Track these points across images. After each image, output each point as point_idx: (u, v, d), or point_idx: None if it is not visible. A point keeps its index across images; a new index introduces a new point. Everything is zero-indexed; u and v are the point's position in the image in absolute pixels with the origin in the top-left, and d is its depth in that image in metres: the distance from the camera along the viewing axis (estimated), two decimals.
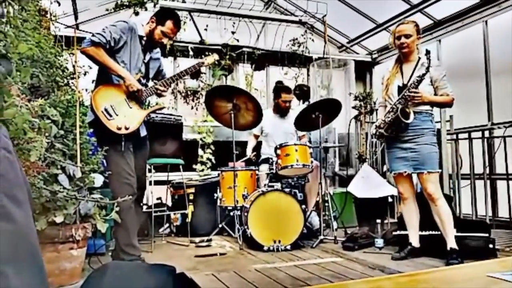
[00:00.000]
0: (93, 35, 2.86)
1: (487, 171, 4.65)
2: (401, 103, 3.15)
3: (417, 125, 3.20)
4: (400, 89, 3.23)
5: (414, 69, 3.25)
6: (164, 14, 3.17)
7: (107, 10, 5.74)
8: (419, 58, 3.27)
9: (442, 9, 5.47)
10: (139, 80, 3.08)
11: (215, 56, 3.55)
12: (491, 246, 3.22)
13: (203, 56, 5.49)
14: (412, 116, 3.11)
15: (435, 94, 3.23)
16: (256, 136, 4.85)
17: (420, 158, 3.17)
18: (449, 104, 3.27)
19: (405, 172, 3.25)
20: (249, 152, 4.84)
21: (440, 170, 3.25)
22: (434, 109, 3.32)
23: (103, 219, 2.59)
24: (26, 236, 0.86)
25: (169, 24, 3.12)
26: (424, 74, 3.08)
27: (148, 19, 3.18)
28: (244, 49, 6.30)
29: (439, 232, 3.28)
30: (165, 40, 3.18)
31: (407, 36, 3.23)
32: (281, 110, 4.75)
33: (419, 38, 3.32)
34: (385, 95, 3.40)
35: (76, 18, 5.62)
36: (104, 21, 5.64)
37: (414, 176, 3.37)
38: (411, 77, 3.22)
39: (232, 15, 6.15)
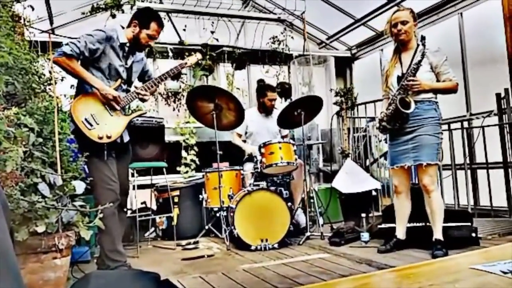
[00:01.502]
0: (66, 44, 2.79)
1: (468, 161, 4.73)
2: (400, 93, 3.08)
3: (419, 115, 3.11)
4: (400, 79, 3.15)
5: (413, 57, 3.13)
6: (147, 16, 3.08)
7: (83, 13, 5.64)
8: (418, 45, 3.15)
9: (418, 2, 5.53)
10: (119, 86, 3.03)
11: (198, 56, 3.46)
12: (473, 235, 3.28)
13: (184, 56, 5.44)
14: (413, 105, 3.03)
15: (438, 81, 3.15)
16: (239, 135, 4.83)
17: (420, 149, 3.10)
18: (453, 90, 3.14)
19: (405, 165, 3.20)
20: (243, 145, 4.75)
21: (438, 162, 3.16)
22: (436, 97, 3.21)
23: (87, 227, 2.55)
24: (2, 252, 0.84)
25: (153, 26, 3.06)
26: (420, 61, 3.00)
27: (129, 23, 3.10)
28: (224, 48, 6.27)
29: (423, 224, 3.32)
30: (152, 43, 3.13)
31: (404, 23, 3.14)
32: (267, 109, 4.75)
33: (416, 25, 3.24)
34: (386, 87, 3.32)
35: (51, 22, 5.50)
36: (80, 25, 5.54)
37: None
38: (410, 65, 3.11)
39: (210, 14, 6.12)
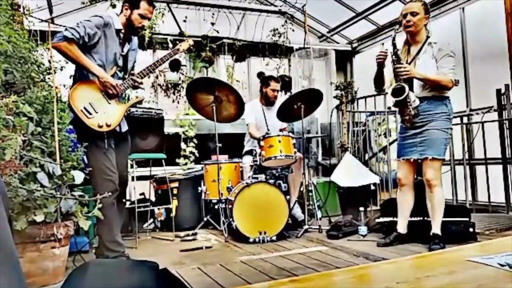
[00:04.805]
0: (66, 29, 2.78)
1: (466, 156, 4.73)
2: (397, 81, 3.06)
3: (429, 110, 3.11)
4: None
5: (420, 49, 3.14)
6: None
7: (83, 3, 5.61)
8: (427, 37, 3.15)
9: None
10: (115, 74, 3.01)
11: (190, 41, 3.43)
12: (471, 230, 3.29)
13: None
14: (407, 90, 2.98)
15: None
16: (253, 124, 4.63)
17: (428, 143, 3.10)
18: (446, 85, 3.05)
19: (412, 158, 3.20)
20: (257, 133, 4.54)
21: (444, 158, 3.16)
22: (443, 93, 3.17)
23: (85, 217, 2.56)
24: (1, 240, 0.84)
25: (144, 4, 3.00)
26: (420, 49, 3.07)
27: (121, 9, 3.06)
28: (224, 40, 6.24)
29: (421, 218, 3.33)
30: (145, 23, 3.07)
31: (414, 14, 3.10)
32: (269, 100, 4.68)
33: (427, 17, 3.18)
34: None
35: (50, 12, 5.47)
36: (80, 14, 5.50)
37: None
38: (415, 57, 3.12)
39: (211, 6, 6.08)
